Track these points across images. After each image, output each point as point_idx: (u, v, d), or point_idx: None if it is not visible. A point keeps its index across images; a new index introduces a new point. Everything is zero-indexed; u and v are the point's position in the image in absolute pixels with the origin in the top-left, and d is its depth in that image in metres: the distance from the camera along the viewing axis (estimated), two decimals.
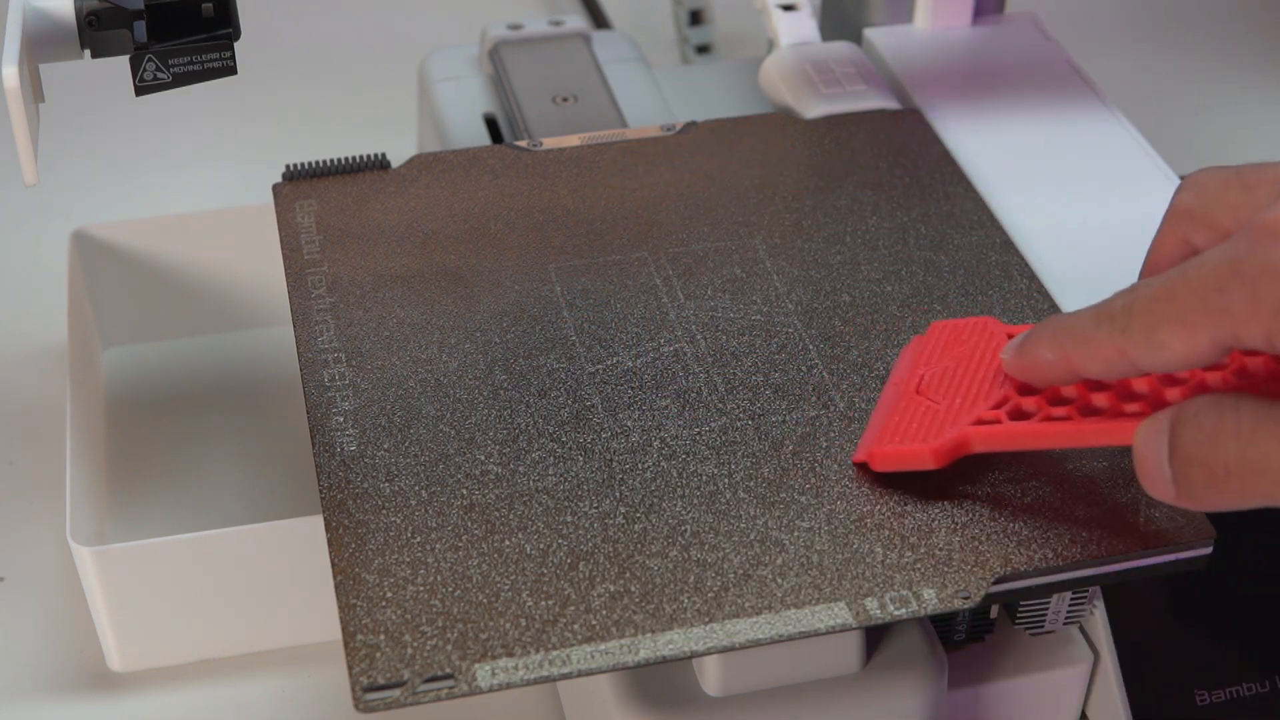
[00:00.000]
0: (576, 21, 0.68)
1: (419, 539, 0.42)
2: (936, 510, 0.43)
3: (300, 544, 0.52)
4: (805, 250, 0.53)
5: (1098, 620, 0.48)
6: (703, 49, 0.83)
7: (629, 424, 0.46)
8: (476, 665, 0.39)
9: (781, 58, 0.63)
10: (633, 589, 0.41)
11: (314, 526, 0.51)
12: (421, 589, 0.41)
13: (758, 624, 0.40)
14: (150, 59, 0.47)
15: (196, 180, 0.78)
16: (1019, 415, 0.42)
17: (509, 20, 0.67)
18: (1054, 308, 0.50)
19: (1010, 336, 0.45)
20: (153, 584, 0.52)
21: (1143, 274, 0.43)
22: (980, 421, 0.42)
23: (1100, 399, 0.41)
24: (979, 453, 0.43)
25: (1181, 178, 0.58)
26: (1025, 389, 0.43)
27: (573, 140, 0.58)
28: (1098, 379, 0.40)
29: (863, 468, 0.44)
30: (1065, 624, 0.49)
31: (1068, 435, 0.41)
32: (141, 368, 0.66)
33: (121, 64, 0.47)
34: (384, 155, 0.56)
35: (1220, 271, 0.36)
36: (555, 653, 0.39)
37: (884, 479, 0.44)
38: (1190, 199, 0.41)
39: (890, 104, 0.60)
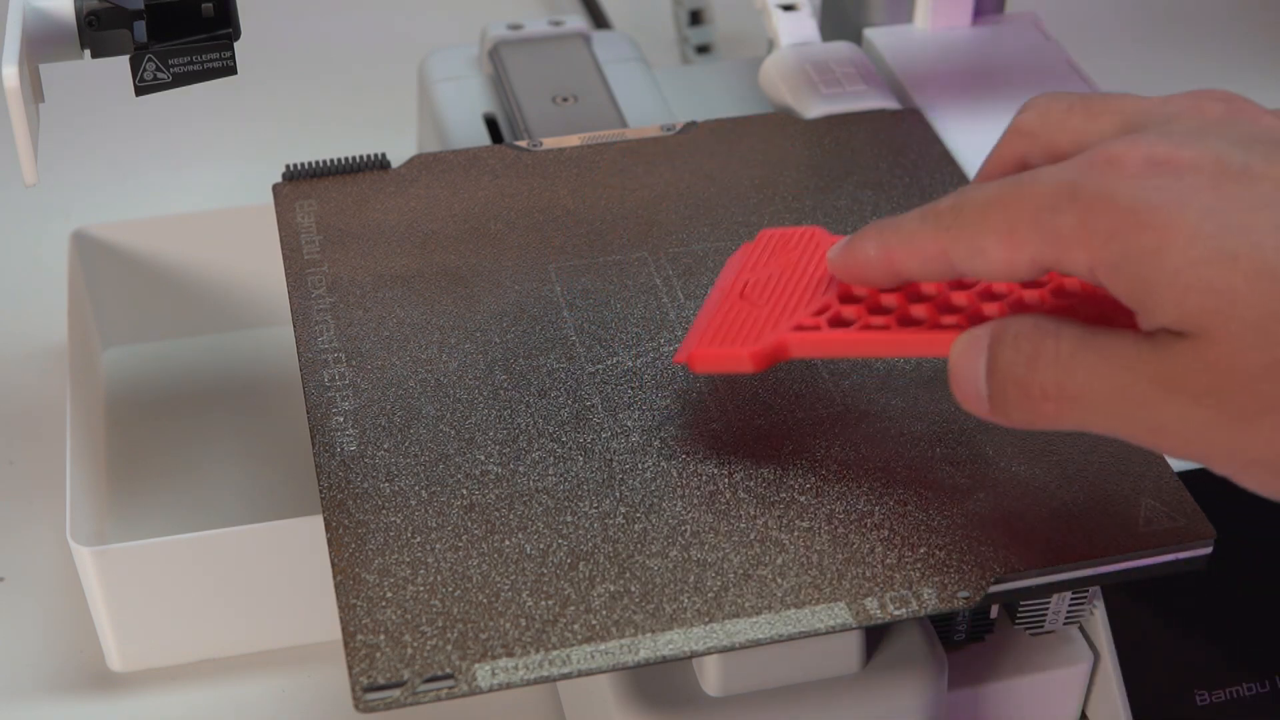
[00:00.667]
0: (576, 21, 0.68)
1: (419, 539, 0.42)
2: (936, 510, 0.43)
3: (300, 544, 0.52)
4: None
5: (1098, 620, 0.48)
6: (703, 49, 0.83)
7: (629, 424, 0.46)
8: (476, 665, 0.39)
9: (781, 58, 0.63)
10: (633, 589, 0.41)
11: (314, 526, 0.51)
12: (421, 589, 0.41)
13: (758, 624, 0.40)
14: (150, 59, 0.47)
15: (196, 180, 0.78)
16: (839, 323, 0.42)
17: (509, 20, 0.67)
18: None
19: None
20: (153, 584, 0.52)
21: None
22: (800, 327, 0.42)
23: (919, 310, 0.41)
24: (798, 357, 0.43)
25: None
26: (848, 297, 0.42)
27: (573, 140, 0.58)
28: (916, 279, 0.40)
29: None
30: (1065, 624, 0.49)
31: (884, 344, 0.41)
32: (141, 368, 0.66)
33: (121, 64, 0.47)
34: (384, 155, 0.56)
35: (1057, 191, 0.36)
36: (555, 653, 0.39)
37: (883, 479, 0.44)
38: (1032, 119, 0.41)
39: (890, 104, 0.60)
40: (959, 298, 0.41)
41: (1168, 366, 0.34)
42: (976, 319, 0.40)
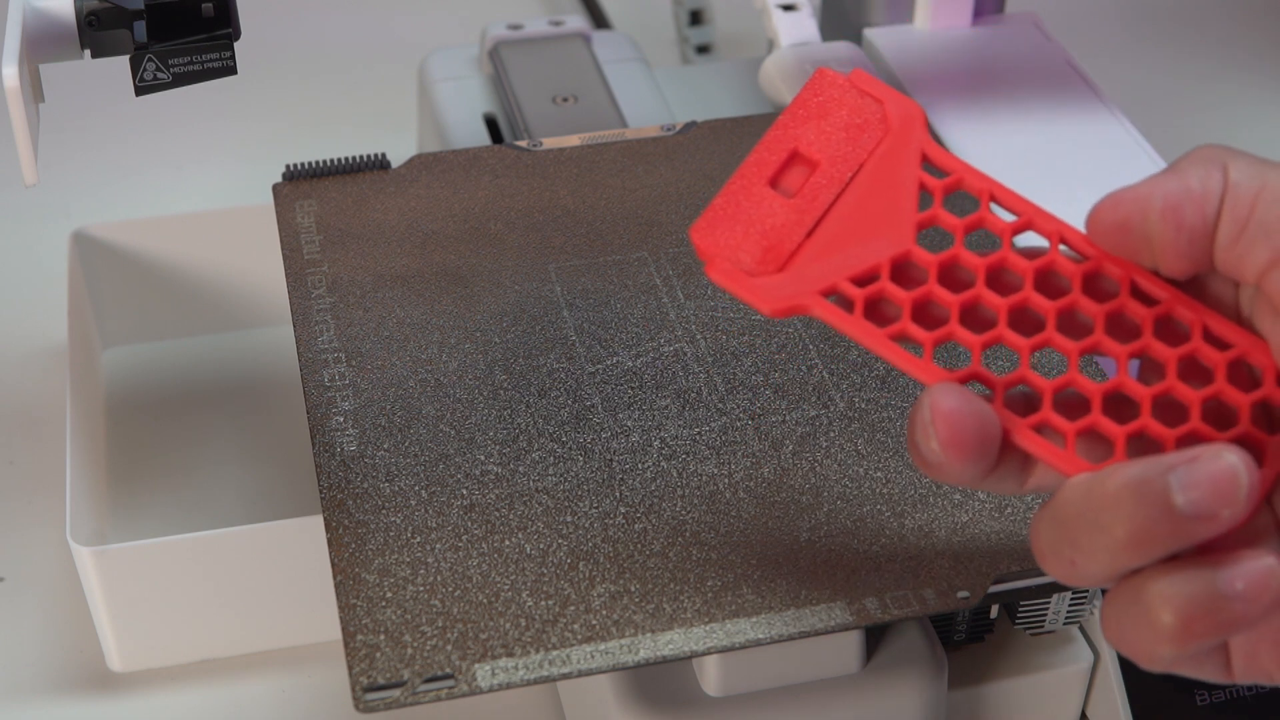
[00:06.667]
0: (576, 21, 0.68)
1: (419, 539, 0.42)
2: (936, 510, 0.43)
3: (300, 544, 0.52)
4: None
5: (1098, 620, 0.48)
6: (703, 49, 0.83)
7: (629, 424, 0.46)
8: (476, 665, 0.39)
9: (781, 58, 0.63)
10: (633, 589, 0.41)
11: (314, 526, 0.51)
12: (421, 589, 0.41)
13: (758, 624, 0.40)
14: (150, 59, 0.47)
15: (196, 180, 0.78)
16: (876, 310, 0.35)
17: (509, 20, 0.67)
18: None
19: (925, 158, 0.36)
20: (153, 584, 0.52)
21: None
22: (832, 292, 0.35)
23: (965, 336, 0.35)
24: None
25: None
26: (902, 272, 0.35)
27: (573, 140, 0.58)
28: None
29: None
30: (1065, 624, 0.49)
31: (909, 367, 0.35)
32: (141, 368, 0.66)
33: (121, 64, 0.47)
34: (384, 155, 0.56)
35: None
36: (555, 653, 0.39)
37: (883, 479, 0.44)
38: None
39: None
40: (982, 336, 0.35)
41: None
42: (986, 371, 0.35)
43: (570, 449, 0.45)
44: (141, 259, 0.65)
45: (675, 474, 0.44)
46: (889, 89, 0.37)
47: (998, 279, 0.36)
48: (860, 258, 0.35)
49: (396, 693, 0.38)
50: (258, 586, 0.53)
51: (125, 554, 0.51)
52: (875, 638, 0.45)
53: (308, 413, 0.46)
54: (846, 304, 0.35)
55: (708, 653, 0.39)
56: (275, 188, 0.55)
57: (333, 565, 0.42)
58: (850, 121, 0.37)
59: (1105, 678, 0.48)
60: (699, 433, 0.46)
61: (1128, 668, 0.48)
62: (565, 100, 0.63)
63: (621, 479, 0.44)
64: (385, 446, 0.45)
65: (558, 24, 0.68)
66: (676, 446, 0.45)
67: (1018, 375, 0.35)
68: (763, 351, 0.48)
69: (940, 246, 0.36)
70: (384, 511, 0.43)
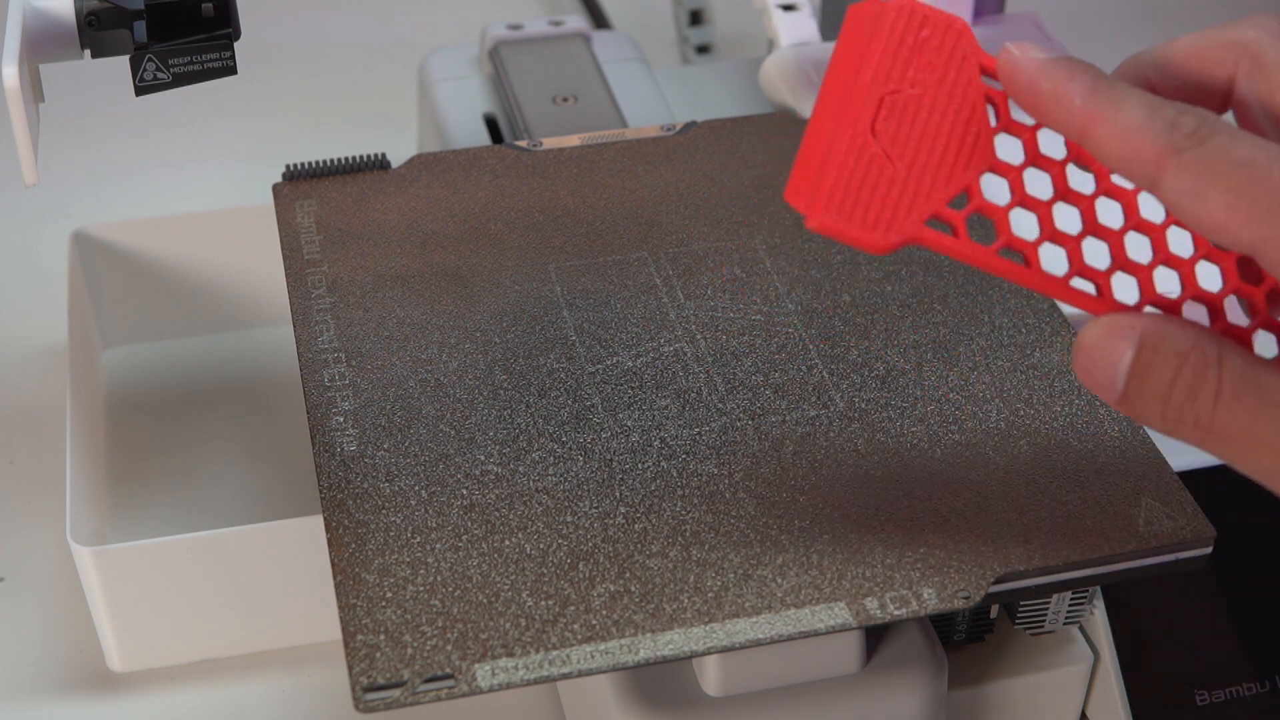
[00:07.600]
0: (576, 21, 0.68)
1: (419, 539, 0.42)
2: (936, 510, 0.43)
3: (300, 544, 0.52)
4: (805, 250, 0.53)
5: (1098, 620, 0.48)
6: (703, 49, 0.83)
7: (629, 424, 0.46)
8: (476, 665, 0.39)
9: (781, 58, 0.63)
10: (633, 589, 0.41)
11: (314, 526, 0.51)
12: (421, 589, 0.41)
13: (758, 624, 0.40)
14: (150, 59, 0.47)
15: (196, 180, 0.78)
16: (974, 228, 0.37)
17: (509, 20, 0.67)
18: (1054, 308, 0.50)
19: (984, 70, 0.37)
20: (153, 584, 0.52)
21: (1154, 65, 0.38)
22: (936, 219, 0.37)
23: (1063, 243, 0.37)
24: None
25: None
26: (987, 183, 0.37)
27: (573, 140, 0.58)
28: (1097, 159, 0.35)
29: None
30: (1065, 624, 0.49)
31: (1017, 276, 0.37)
32: (141, 368, 0.66)
33: (121, 64, 0.47)
34: (384, 155, 0.56)
35: None
36: (555, 653, 0.39)
37: (883, 478, 0.44)
38: (1266, 41, 0.36)
39: None
40: (1096, 259, 0.37)
41: None
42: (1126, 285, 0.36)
43: (570, 449, 0.45)
44: (141, 259, 0.65)
45: (675, 474, 0.44)
46: (929, 9, 0.37)
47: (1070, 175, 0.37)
48: (950, 180, 0.37)
49: (396, 693, 0.38)
50: (258, 586, 0.53)
51: (125, 554, 0.51)
52: (875, 638, 0.45)
53: (308, 413, 0.46)
54: (949, 228, 0.36)
55: (708, 653, 0.39)
56: (275, 188, 0.55)
57: (333, 565, 0.42)
58: (899, 49, 0.37)
59: (1105, 678, 0.48)
60: (699, 433, 0.46)
61: (1128, 668, 0.48)
62: (565, 100, 0.63)
63: (621, 479, 0.44)
64: (385, 446, 0.45)
65: (558, 24, 0.68)
66: (676, 446, 0.45)
67: (1115, 266, 0.37)
68: (763, 351, 0.49)
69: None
70: (384, 511, 0.43)
